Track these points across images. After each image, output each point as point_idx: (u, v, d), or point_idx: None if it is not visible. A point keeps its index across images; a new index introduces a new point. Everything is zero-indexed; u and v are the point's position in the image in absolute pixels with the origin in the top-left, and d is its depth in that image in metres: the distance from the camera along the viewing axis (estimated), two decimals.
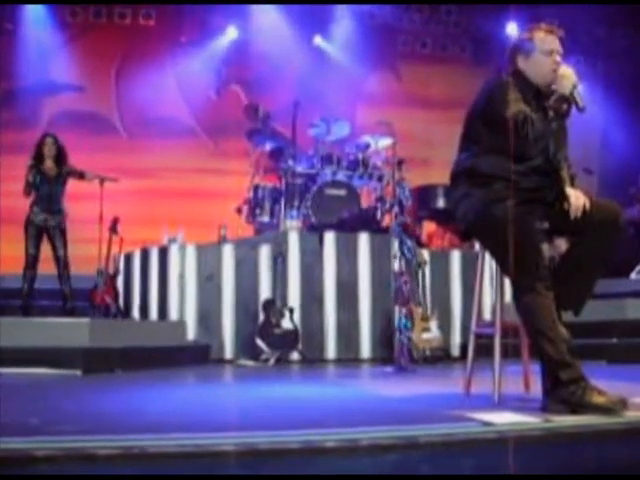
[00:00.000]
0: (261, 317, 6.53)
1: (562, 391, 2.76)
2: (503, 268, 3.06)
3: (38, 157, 6.84)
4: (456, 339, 7.10)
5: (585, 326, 3.81)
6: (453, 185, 3.14)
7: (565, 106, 2.89)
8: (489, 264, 3.68)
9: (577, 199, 2.96)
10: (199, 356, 6.37)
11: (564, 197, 2.98)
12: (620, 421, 2.57)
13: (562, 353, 2.79)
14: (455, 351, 7.03)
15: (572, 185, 3.08)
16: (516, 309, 2.96)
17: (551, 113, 2.89)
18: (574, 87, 2.90)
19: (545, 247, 2.99)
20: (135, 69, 10.05)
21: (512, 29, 10.27)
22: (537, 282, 2.86)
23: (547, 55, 3.04)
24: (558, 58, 3.04)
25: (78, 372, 5.03)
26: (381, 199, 7.53)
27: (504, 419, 2.55)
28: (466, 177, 3.06)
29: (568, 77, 2.93)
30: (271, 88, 9.87)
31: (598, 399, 2.70)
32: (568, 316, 3.05)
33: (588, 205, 2.97)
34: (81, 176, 7.04)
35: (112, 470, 1.98)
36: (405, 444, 2.16)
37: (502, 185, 2.95)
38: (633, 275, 7.15)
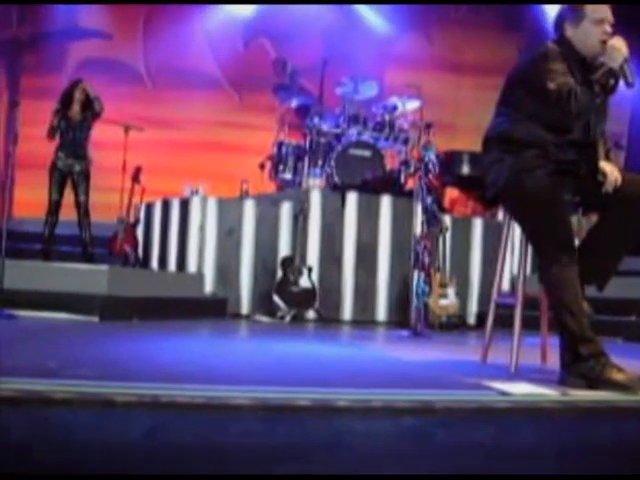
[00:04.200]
0: (279, 274, 6.54)
1: (581, 365, 2.74)
2: (530, 238, 3.02)
3: (66, 101, 6.82)
4: (473, 307, 7.08)
5: (603, 302, 3.77)
6: (485, 150, 3.07)
7: (612, 81, 2.76)
8: (512, 234, 3.64)
9: (611, 173, 2.90)
10: (216, 310, 6.40)
11: (598, 170, 2.91)
12: (638, 399, 2.55)
13: (584, 328, 2.76)
14: (471, 319, 7.03)
15: (607, 159, 3.01)
16: (540, 280, 2.92)
17: (597, 87, 2.77)
18: (625, 60, 2.78)
19: (582, 220, 2.94)
20: (163, 18, 9.95)
21: None
22: (564, 255, 2.82)
23: (597, 24, 2.89)
24: (608, 28, 2.90)
25: (95, 319, 5.07)
26: (405, 162, 7.47)
27: (521, 390, 2.53)
28: (499, 142, 2.99)
29: (619, 49, 2.79)
30: (300, 44, 9.73)
31: (617, 376, 2.67)
32: (586, 291, 3.01)
33: (620, 180, 2.91)
34: (93, 108, 6.84)
35: (126, 416, 1.99)
36: (421, 408, 2.15)
37: (535, 154, 2.89)
38: None
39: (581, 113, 2.81)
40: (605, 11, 2.93)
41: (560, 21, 3.00)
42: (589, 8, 2.92)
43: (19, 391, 2.03)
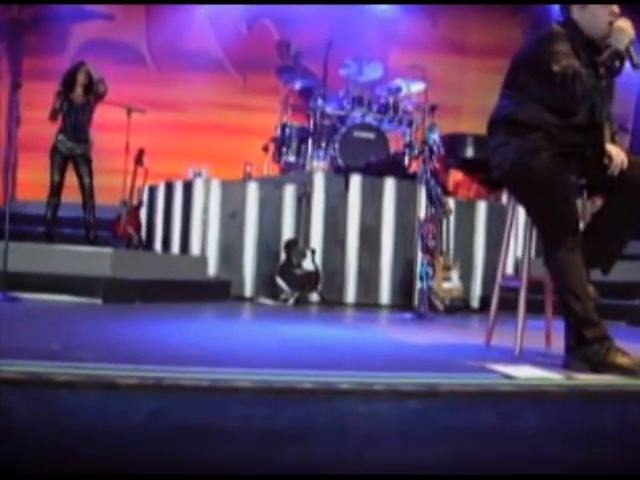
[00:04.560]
0: (282, 257, 6.53)
1: (586, 349, 2.73)
2: (535, 221, 3.00)
3: (68, 84, 6.77)
4: (476, 291, 7.07)
5: (607, 286, 3.76)
6: (491, 132, 3.04)
7: (618, 63, 2.73)
8: (516, 217, 3.62)
9: (617, 156, 2.87)
10: (219, 292, 6.40)
11: (604, 153, 2.89)
12: None
13: (589, 311, 2.75)
14: (474, 302, 7.02)
15: (613, 141, 2.98)
16: (545, 264, 2.91)
17: (602, 70, 2.73)
18: (630, 42, 2.74)
19: (587, 203, 2.92)
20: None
21: None
22: (569, 238, 2.80)
23: (604, 6, 2.86)
24: (616, 9, 2.86)
25: (98, 301, 5.07)
26: (410, 145, 7.43)
27: (526, 373, 2.53)
28: (505, 125, 2.96)
29: (625, 30, 2.75)
30: (304, 25, 9.66)
31: (621, 360, 2.66)
32: (591, 275, 2.99)
33: (626, 163, 2.89)
34: (97, 89, 6.80)
35: (129, 399, 1.99)
36: (425, 391, 2.15)
37: (540, 136, 2.87)
38: None
39: (586, 95, 2.78)
40: None
41: (566, 3, 2.96)
42: None
43: (22, 373, 2.03)
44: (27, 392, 1.96)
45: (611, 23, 2.82)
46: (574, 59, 2.79)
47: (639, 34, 2.84)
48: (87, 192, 6.79)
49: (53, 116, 6.72)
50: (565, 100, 2.81)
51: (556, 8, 3.06)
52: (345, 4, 9.59)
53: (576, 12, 2.92)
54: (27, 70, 9.45)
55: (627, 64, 2.79)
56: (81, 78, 6.78)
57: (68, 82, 6.79)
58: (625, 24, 2.78)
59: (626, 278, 5.49)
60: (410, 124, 7.62)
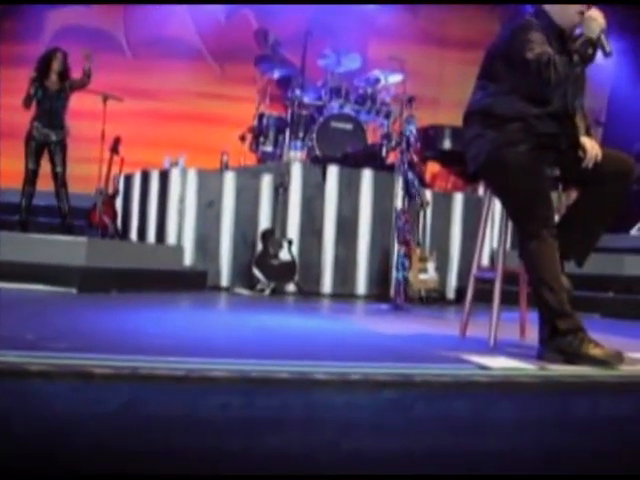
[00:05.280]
0: (259, 247, 6.52)
1: (559, 340, 2.75)
2: (510, 213, 3.03)
3: (43, 70, 6.70)
4: (452, 282, 7.11)
5: (581, 278, 3.79)
6: (466, 124, 3.06)
7: (590, 50, 2.78)
8: (492, 209, 3.65)
9: (592, 148, 2.90)
10: (195, 282, 6.38)
11: (579, 145, 2.92)
12: (614, 374, 2.57)
13: (562, 303, 2.77)
14: (450, 294, 7.06)
15: (588, 134, 3.01)
16: (520, 255, 2.93)
17: (576, 57, 2.78)
18: (602, 31, 2.79)
19: (562, 196, 2.94)
20: None
21: None
22: (544, 229, 2.83)
23: None
24: None
25: (73, 290, 5.03)
26: (387, 136, 7.44)
27: (500, 364, 2.55)
28: (480, 117, 2.98)
29: (596, 19, 2.80)
30: (283, 15, 9.62)
31: (594, 351, 2.69)
32: (565, 267, 3.02)
33: (601, 155, 2.92)
34: (82, 81, 6.81)
35: (103, 389, 1.98)
36: (400, 381, 2.16)
37: (516, 128, 2.89)
38: (633, 231, 7.10)
39: (560, 82, 2.81)
40: None
41: (544, 3, 2.99)
42: None
43: None
44: (1, 382, 1.94)
45: (581, 12, 2.86)
46: (547, 47, 2.82)
47: (609, 24, 2.88)
48: (59, 181, 6.74)
49: (27, 102, 6.65)
50: (540, 88, 2.84)
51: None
52: (326, 4, 9.56)
53: (547, 3, 2.96)
54: (3, 56, 9.32)
55: (599, 54, 2.83)
56: (56, 65, 6.72)
57: (43, 69, 6.71)
58: (596, 13, 2.83)
59: (600, 271, 5.55)
60: (388, 115, 7.63)
